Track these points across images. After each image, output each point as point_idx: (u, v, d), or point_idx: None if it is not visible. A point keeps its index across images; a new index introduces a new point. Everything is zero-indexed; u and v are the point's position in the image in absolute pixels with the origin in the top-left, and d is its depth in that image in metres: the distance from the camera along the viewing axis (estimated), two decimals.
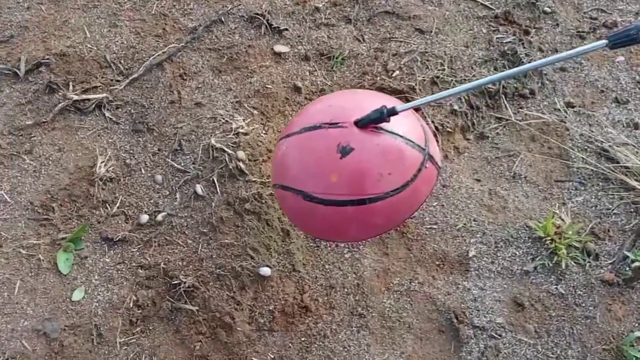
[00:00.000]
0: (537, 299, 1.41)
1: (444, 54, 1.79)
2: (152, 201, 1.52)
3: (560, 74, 1.78)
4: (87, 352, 1.32)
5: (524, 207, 1.54)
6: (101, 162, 1.54)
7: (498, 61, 1.78)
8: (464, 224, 1.51)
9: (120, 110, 1.66)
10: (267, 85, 1.71)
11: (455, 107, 1.68)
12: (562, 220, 1.51)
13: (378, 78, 1.73)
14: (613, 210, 1.54)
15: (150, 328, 1.35)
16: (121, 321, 1.35)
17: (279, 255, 1.45)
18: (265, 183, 1.52)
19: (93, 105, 1.64)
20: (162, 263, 1.42)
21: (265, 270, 1.40)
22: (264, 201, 1.49)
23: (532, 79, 1.76)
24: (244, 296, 1.39)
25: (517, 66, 1.76)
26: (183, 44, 1.77)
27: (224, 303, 1.37)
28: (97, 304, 1.37)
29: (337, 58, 1.77)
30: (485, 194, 1.57)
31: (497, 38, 1.83)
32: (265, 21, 1.82)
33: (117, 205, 1.50)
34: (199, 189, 1.52)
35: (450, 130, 1.65)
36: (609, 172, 1.58)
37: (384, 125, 1.05)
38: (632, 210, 1.54)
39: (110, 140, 1.61)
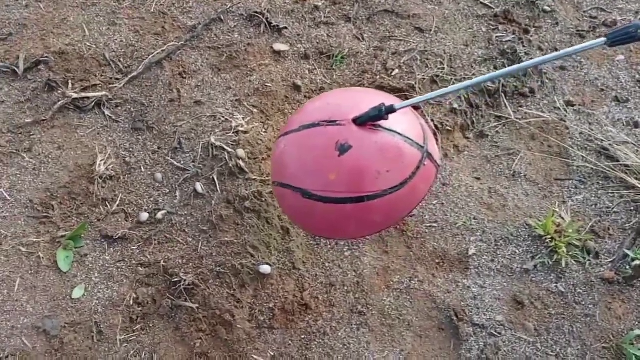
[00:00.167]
0: (537, 297, 1.41)
1: (443, 52, 1.79)
2: (152, 199, 1.52)
3: (560, 73, 1.79)
4: (87, 349, 1.31)
5: (524, 206, 1.55)
6: (101, 160, 1.54)
7: (498, 60, 1.78)
8: (464, 222, 1.51)
9: (119, 108, 1.66)
10: (266, 84, 1.71)
11: (455, 105, 1.68)
12: (562, 218, 1.51)
13: (378, 77, 1.73)
14: (613, 208, 1.54)
15: (151, 325, 1.35)
16: (121, 319, 1.35)
17: (279, 253, 1.45)
18: (265, 181, 1.52)
19: (92, 104, 1.64)
20: (162, 261, 1.42)
21: (265, 268, 1.40)
22: (263, 199, 1.49)
23: (532, 78, 1.76)
24: (244, 294, 1.39)
25: (516, 63, 1.76)
26: (182, 43, 1.76)
27: (224, 301, 1.37)
28: (97, 302, 1.37)
29: (336, 57, 1.77)
30: (485, 193, 1.57)
31: (496, 37, 1.83)
32: (264, 19, 1.82)
33: (117, 203, 1.50)
34: (198, 187, 1.52)
35: (450, 128, 1.65)
36: (609, 171, 1.59)
37: (382, 123, 1.05)
38: (632, 208, 1.54)
39: (110, 138, 1.61)
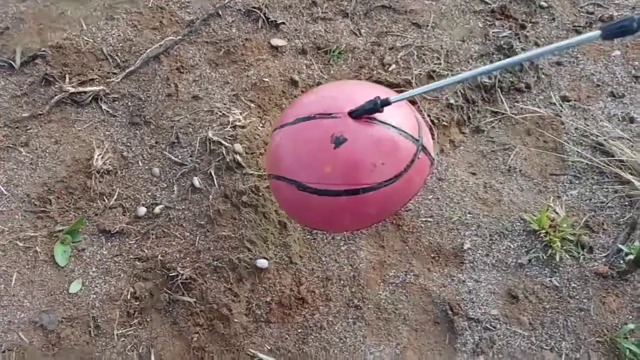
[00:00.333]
0: (532, 292, 1.43)
1: (440, 48, 1.79)
2: (149, 194, 1.52)
3: (556, 68, 1.79)
4: (84, 343, 1.32)
5: (519, 201, 1.56)
6: (98, 155, 1.54)
7: (494, 55, 1.78)
8: (459, 217, 1.52)
9: (117, 103, 1.66)
10: (264, 79, 1.71)
11: (452, 101, 1.69)
12: (557, 213, 1.52)
13: (375, 72, 1.73)
14: (607, 203, 1.55)
15: (148, 320, 1.36)
16: (119, 313, 1.36)
17: (276, 247, 1.45)
18: (262, 176, 1.52)
19: (90, 98, 1.64)
20: (160, 255, 1.42)
21: (262, 262, 1.41)
22: (261, 194, 1.49)
23: (527, 73, 1.76)
24: (241, 288, 1.39)
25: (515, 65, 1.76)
26: (180, 37, 1.76)
27: (221, 295, 1.38)
28: (94, 296, 1.38)
29: (333, 52, 1.77)
30: (481, 187, 1.58)
31: (493, 32, 1.83)
32: (262, 15, 1.82)
33: (115, 197, 1.50)
34: (196, 181, 1.52)
35: (446, 124, 1.66)
36: (603, 166, 1.60)
37: (377, 115, 1.05)
38: (626, 203, 1.55)
39: (107, 132, 1.61)
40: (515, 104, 1.72)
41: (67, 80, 1.66)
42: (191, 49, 1.76)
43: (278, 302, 1.39)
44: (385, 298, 1.41)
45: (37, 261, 1.41)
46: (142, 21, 1.80)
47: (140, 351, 1.32)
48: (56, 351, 1.30)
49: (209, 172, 1.53)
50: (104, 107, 1.64)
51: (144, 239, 1.45)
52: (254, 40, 1.78)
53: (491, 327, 1.38)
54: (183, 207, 1.50)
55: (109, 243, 1.45)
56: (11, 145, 1.56)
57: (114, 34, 1.76)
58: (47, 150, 1.56)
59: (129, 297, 1.37)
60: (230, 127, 1.59)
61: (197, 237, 1.46)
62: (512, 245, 1.49)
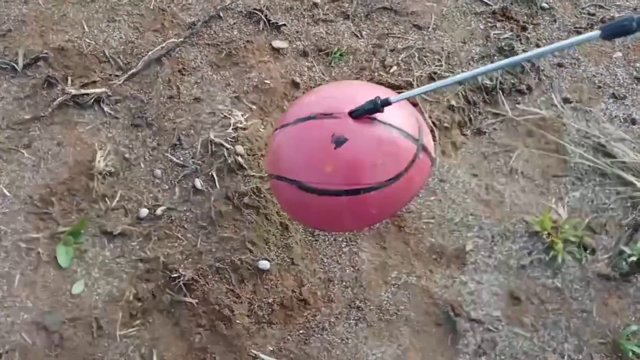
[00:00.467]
0: (534, 293, 1.42)
1: (441, 49, 1.80)
2: (151, 195, 1.52)
3: (558, 70, 1.79)
4: (87, 344, 1.32)
5: (521, 202, 1.56)
6: (100, 157, 1.55)
7: (495, 57, 1.79)
8: (461, 219, 1.52)
9: (119, 105, 1.66)
10: (265, 81, 1.71)
11: (453, 102, 1.69)
12: (559, 215, 1.52)
13: (376, 74, 1.74)
14: (610, 205, 1.55)
15: (150, 321, 1.36)
16: (121, 314, 1.36)
17: (278, 248, 1.45)
18: (264, 177, 1.52)
19: (92, 100, 1.65)
20: (162, 256, 1.42)
21: (264, 264, 1.41)
22: (262, 195, 1.49)
23: (529, 75, 1.77)
24: (243, 289, 1.39)
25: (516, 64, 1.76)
26: (182, 39, 1.77)
27: (223, 296, 1.38)
28: (97, 297, 1.38)
29: (335, 54, 1.78)
30: (482, 189, 1.58)
31: (494, 34, 1.84)
32: (263, 17, 1.82)
33: (117, 199, 1.50)
34: (198, 183, 1.53)
35: (447, 125, 1.66)
36: (605, 167, 1.60)
37: (377, 116, 1.05)
38: (628, 205, 1.55)
39: (109, 134, 1.61)
40: (517, 105, 1.72)
41: (69, 82, 1.67)
42: (193, 51, 1.76)
43: (280, 304, 1.39)
44: (387, 299, 1.41)
45: (39, 262, 1.41)
46: (144, 23, 1.81)
47: (142, 352, 1.32)
48: (59, 352, 1.31)
49: (210, 173, 1.54)
50: (106, 109, 1.65)
51: (146, 240, 1.46)
52: (255, 42, 1.79)
53: (493, 329, 1.38)
54: (185, 208, 1.50)
55: (111, 244, 1.45)
56: (14, 147, 1.57)
57: (115, 36, 1.77)
58: (50, 152, 1.57)
59: (131, 298, 1.37)
60: (232, 128, 1.59)
61: (199, 239, 1.46)
62: (514, 247, 1.49)
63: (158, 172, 1.55)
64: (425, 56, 1.78)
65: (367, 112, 1.05)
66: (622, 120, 1.69)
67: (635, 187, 1.54)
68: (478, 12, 1.89)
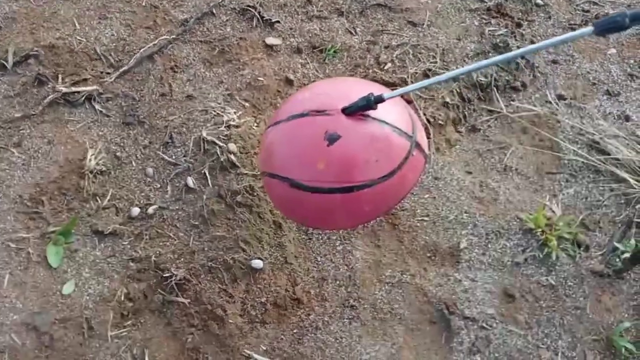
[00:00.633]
0: (528, 290, 1.42)
1: (436, 46, 1.79)
2: (143, 194, 1.51)
3: (552, 67, 1.79)
4: (77, 345, 1.31)
5: (515, 199, 1.55)
6: (91, 155, 1.53)
7: (490, 54, 1.78)
8: (455, 216, 1.52)
9: (110, 102, 1.65)
10: (258, 78, 1.70)
11: (447, 99, 1.68)
12: (553, 212, 1.52)
13: (370, 70, 1.73)
14: (603, 202, 1.55)
15: (142, 321, 1.35)
16: (112, 314, 1.35)
17: (271, 247, 1.44)
18: (257, 176, 1.51)
19: (83, 98, 1.63)
20: (154, 256, 1.41)
21: (257, 263, 1.40)
22: (255, 194, 1.48)
23: (523, 72, 1.76)
24: (236, 289, 1.38)
25: (509, 60, 1.76)
26: (174, 36, 1.75)
27: (216, 295, 1.37)
28: (87, 297, 1.37)
29: (329, 51, 1.76)
30: (477, 186, 1.57)
31: (489, 31, 1.83)
32: (256, 13, 1.81)
33: (108, 198, 1.49)
34: (190, 181, 1.51)
35: (442, 122, 1.65)
36: (599, 164, 1.59)
37: (371, 112, 1.05)
38: (622, 202, 1.55)
39: (100, 133, 1.60)
40: (511, 102, 1.72)
41: (60, 80, 1.65)
42: (185, 48, 1.75)
43: (273, 303, 1.38)
44: (381, 298, 1.41)
45: (29, 262, 1.40)
46: (136, 20, 1.79)
47: (134, 352, 1.31)
48: (49, 353, 1.29)
49: (203, 172, 1.53)
50: (97, 107, 1.63)
51: (138, 239, 1.44)
52: (248, 39, 1.78)
53: (487, 326, 1.37)
54: (177, 207, 1.49)
55: (102, 244, 1.44)
56: (3, 146, 1.55)
57: (107, 33, 1.75)
58: (40, 151, 1.55)
59: (122, 298, 1.36)
60: (225, 126, 1.58)
61: (191, 238, 1.45)
62: (508, 244, 1.48)
63: (150, 170, 1.54)
64: (419, 53, 1.77)
65: (360, 109, 1.04)
66: (616, 117, 1.69)
67: (629, 183, 1.54)
68: (473, 9, 1.88)
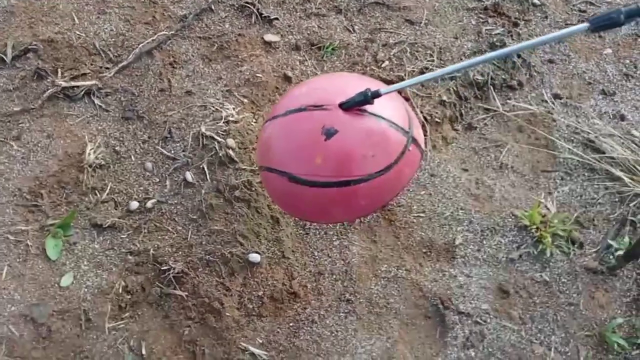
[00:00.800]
0: (522, 286, 1.44)
1: (433, 45, 1.80)
2: (141, 188, 1.52)
3: (548, 66, 1.80)
4: (75, 336, 1.32)
5: (510, 197, 1.57)
6: (90, 149, 1.54)
7: (487, 53, 1.79)
8: (451, 213, 1.53)
9: (109, 97, 1.65)
10: (257, 74, 1.71)
11: (444, 97, 1.69)
12: (548, 209, 1.53)
13: (368, 68, 1.74)
14: (598, 199, 1.57)
15: (139, 313, 1.36)
16: (110, 306, 1.35)
17: (268, 242, 1.45)
18: (255, 171, 1.52)
19: (82, 92, 1.64)
20: (152, 249, 1.42)
21: (255, 257, 1.41)
22: (253, 189, 1.49)
23: (520, 71, 1.77)
24: (233, 282, 1.39)
25: (505, 56, 1.78)
26: (173, 32, 1.76)
27: (213, 289, 1.38)
28: (85, 290, 1.37)
29: (327, 48, 1.77)
30: (473, 184, 1.59)
31: (486, 30, 1.84)
32: (255, 10, 1.82)
33: (107, 192, 1.50)
34: (188, 176, 1.52)
35: (438, 120, 1.67)
36: (594, 163, 1.61)
37: (368, 107, 1.06)
38: (616, 200, 1.56)
39: (99, 127, 1.60)
40: (508, 101, 1.73)
41: (59, 74, 1.66)
42: (184, 44, 1.76)
43: (270, 296, 1.39)
44: (377, 292, 1.42)
45: (28, 255, 1.40)
46: (135, 16, 1.80)
47: (131, 344, 1.32)
48: (47, 344, 1.30)
49: (201, 166, 1.54)
50: (96, 101, 1.64)
51: (136, 233, 1.45)
52: (247, 36, 1.79)
53: (481, 321, 1.39)
54: (175, 201, 1.50)
55: (101, 237, 1.44)
56: (3, 140, 1.56)
57: (106, 28, 1.76)
58: (39, 145, 1.56)
59: (120, 290, 1.37)
60: (223, 122, 1.59)
61: (190, 232, 1.46)
62: (503, 241, 1.50)
63: (149, 165, 1.55)
64: (417, 51, 1.79)
65: (357, 104, 1.05)
66: (611, 116, 1.71)
67: (623, 182, 1.56)
68: (470, 8, 1.90)
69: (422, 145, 1.16)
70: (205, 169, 1.53)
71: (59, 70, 1.66)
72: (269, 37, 1.79)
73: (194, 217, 1.48)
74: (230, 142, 1.55)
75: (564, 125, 1.68)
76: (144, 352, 1.31)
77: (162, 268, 1.39)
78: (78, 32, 1.74)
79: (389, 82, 1.69)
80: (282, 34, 1.81)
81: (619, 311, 1.41)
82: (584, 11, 1.92)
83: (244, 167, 1.53)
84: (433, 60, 1.76)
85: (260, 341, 1.35)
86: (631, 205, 1.54)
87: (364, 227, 1.50)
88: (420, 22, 1.85)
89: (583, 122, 1.69)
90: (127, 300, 1.36)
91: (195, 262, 1.41)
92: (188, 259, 1.41)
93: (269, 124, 1.17)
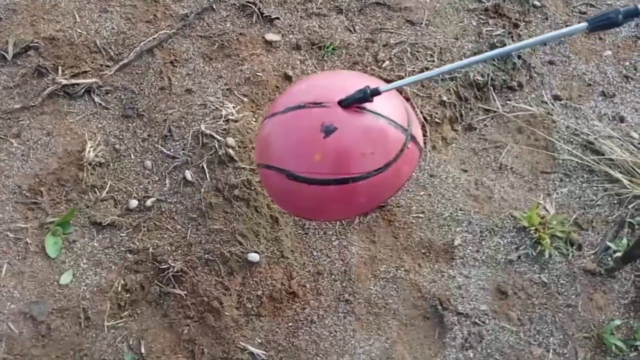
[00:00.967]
0: (521, 288, 1.44)
1: (434, 45, 1.80)
2: (141, 186, 1.52)
3: (548, 67, 1.81)
4: (74, 335, 1.32)
5: (510, 198, 1.57)
6: (90, 147, 1.54)
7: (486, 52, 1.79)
8: (450, 213, 1.53)
9: (109, 95, 1.65)
10: (257, 73, 1.71)
11: (444, 98, 1.70)
12: (547, 210, 1.53)
13: (368, 68, 1.74)
14: (597, 201, 1.57)
15: (139, 312, 1.36)
16: (109, 305, 1.36)
17: (268, 241, 1.46)
18: (254, 170, 1.53)
19: (82, 90, 1.64)
20: (151, 248, 1.42)
21: (254, 256, 1.42)
22: (253, 188, 1.49)
23: (520, 72, 1.78)
24: (232, 281, 1.40)
25: (505, 58, 1.78)
26: (174, 31, 1.76)
27: (212, 288, 1.38)
28: (85, 288, 1.38)
29: (328, 48, 1.78)
30: (472, 184, 1.59)
31: (486, 31, 1.84)
32: (256, 9, 1.82)
33: (106, 190, 1.50)
34: (188, 174, 1.52)
35: (438, 121, 1.67)
36: (593, 165, 1.61)
37: (367, 105, 1.06)
38: (615, 201, 1.57)
39: (99, 125, 1.60)
40: (508, 102, 1.73)
41: (59, 72, 1.66)
42: (185, 42, 1.76)
43: (269, 296, 1.40)
44: (376, 293, 1.42)
45: (27, 252, 1.41)
46: (136, 14, 1.80)
47: (130, 343, 1.32)
48: (46, 342, 1.30)
49: (201, 165, 1.54)
50: (96, 99, 1.64)
51: (136, 231, 1.45)
52: (248, 35, 1.79)
53: (480, 322, 1.39)
54: (175, 200, 1.50)
55: (100, 235, 1.45)
56: (3, 137, 1.56)
57: (107, 26, 1.76)
58: (39, 142, 1.56)
59: (119, 289, 1.37)
60: (223, 120, 1.59)
61: (189, 230, 1.46)
62: (502, 242, 1.50)
63: (148, 163, 1.55)
64: (417, 52, 1.79)
65: (356, 102, 1.05)
66: (610, 118, 1.71)
67: (622, 184, 1.56)
68: (471, 9, 1.90)
69: (421, 143, 1.16)
70: (205, 167, 1.53)
71: (60, 68, 1.66)
72: (270, 36, 1.80)
73: (194, 215, 1.48)
74: (230, 141, 1.55)
75: (563, 127, 1.69)
76: (143, 350, 1.32)
77: (162, 267, 1.39)
78: (79, 30, 1.74)
79: (389, 82, 1.70)
80: (282, 34, 1.81)
81: (617, 313, 1.42)
82: (584, 13, 1.92)
83: (243, 166, 1.53)
84: (433, 61, 1.76)
85: (259, 341, 1.35)
86: (630, 207, 1.54)
87: (363, 228, 1.50)
88: (421, 23, 1.85)
89: (582, 124, 1.69)
90: (126, 298, 1.37)
91: (194, 261, 1.41)
92: (187, 257, 1.42)
93: (268, 121, 1.17)
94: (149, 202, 1.49)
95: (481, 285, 1.44)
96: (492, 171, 1.62)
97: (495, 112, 1.71)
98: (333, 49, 1.78)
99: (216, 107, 1.62)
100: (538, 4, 1.92)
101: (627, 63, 1.82)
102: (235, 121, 1.59)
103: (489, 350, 1.36)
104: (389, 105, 1.09)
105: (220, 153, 1.53)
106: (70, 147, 1.55)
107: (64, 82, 1.63)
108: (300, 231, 1.49)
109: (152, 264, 1.40)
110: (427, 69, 1.74)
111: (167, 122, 1.61)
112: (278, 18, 1.82)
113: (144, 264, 1.41)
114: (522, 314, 1.41)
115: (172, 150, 1.57)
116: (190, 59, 1.73)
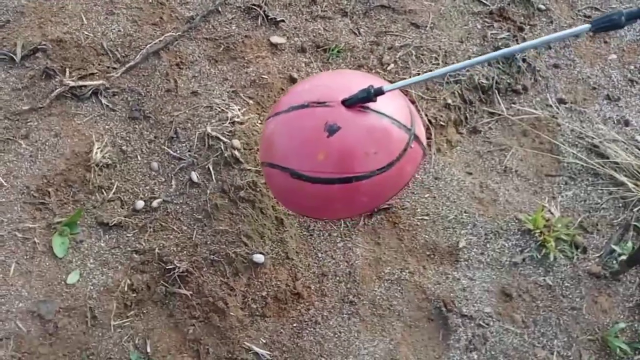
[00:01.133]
0: (525, 290, 1.44)
1: (438, 48, 1.81)
2: (147, 187, 1.53)
3: (553, 71, 1.81)
4: (81, 333, 1.33)
5: (515, 201, 1.57)
6: (97, 148, 1.56)
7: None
8: (455, 216, 1.54)
9: (116, 97, 1.67)
10: (263, 76, 1.72)
11: (449, 101, 1.70)
12: (552, 213, 1.54)
13: (373, 71, 1.75)
14: (602, 204, 1.57)
15: (145, 312, 1.37)
16: (116, 304, 1.37)
17: (273, 242, 1.46)
18: (260, 171, 1.53)
19: (90, 92, 1.65)
20: (157, 248, 1.43)
21: (259, 257, 1.42)
22: (258, 189, 1.50)
23: (525, 75, 1.78)
24: (238, 282, 1.41)
25: (509, 61, 1.78)
26: (180, 33, 1.78)
27: (218, 288, 1.39)
28: (92, 287, 1.39)
29: (332, 50, 1.79)
30: (477, 187, 1.59)
31: (491, 34, 1.85)
32: (262, 12, 1.83)
33: (113, 191, 1.51)
34: (194, 176, 1.54)
35: (443, 124, 1.67)
36: (598, 168, 1.61)
37: (370, 104, 1.06)
38: (620, 205, 1.57)
39: (106, 126, 1.62)
40: (512, 105, 1.74)
41: (67, 74, 1.67)
42: (191, 45, 1.77)
43: (274, 297, 1.40)
44: (380, 294, 1.43)
45: (35, 252, 1.42)
46: (142, 17, 1.81)
47: (136, 342, 1.33)
48: (53, 340, 1.31)
49: (207, 167, 1.55)
50: (103, 101, 1.65)
51: (142, 232, 1.46)
52: (253, 38, 1.80)
53: (484, 324, 1.39)
54: (181, 201, 1.51)
55: (107, 235, 1.46)
56: (11, 138, 1.57)
57: (114, 29, 1.78)
58: (47, 143, 1.57)
59: (126, 288, 1.38)
60: (229, 123, 1.60)
61: (195, 231, 1.47)
62: (506, 245, 1.50)
63: (155, 164, 1.56)
64: (422, 54, 1.79)
65: (360, 101, 1.05)
66: (615, 121, 1.71)
67: (627, 187, 1.56)
68: (475, 12, 1.90)
69: (424, 143, 1.16)
70: (211, 169, 1.54)
71: (67, 69, 1.68)
72: (275, 39, 1.81)
73: (199, 217, 1.49)
74: (236, 142, 1.56)
75: (568, 130, 1.69)
76: (148, 350, 1.33)
77: (167, 267, 1.40)
78: (86, 33, 1.76)
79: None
80: (288, 36, 1.82)
81: (622, 316, 1.42)
82: (589, 16, 1.93)
83: (249, 167, 1.54)
84: (438, 64, 1.77)
85: (264, 341, 1.36)
86: (635, 210, 1.54)
87: (368, 230, 1.51)
88: (426, 26, 1.86)
89: (587, 127, 1.70)
90: (132, 298, 1.38)
91: (199, 262, 1.42)
92: (193, 258, 1.43)
93: (271, 120, 1.17)
94: (155, 203, 1.50)
95: (486, 288, 1.44)
96: (497, 174, 1.62)
97: (500, 115, 1.72)
98: (338, 51, 1.79)
99: (222, 109, 1.63)
100: (543, 7, 1.92)
101: (632, 67, 1.82)
102: (241, 123, 1.60)
103: (493, 352, 1.36)
104: (392, 105, 1.10)
105: (226, 155, 1.54)
106: (78, 148, 1.57)
107: (72, 83, 1.64)
108: (305, 233, 1.50)
109: (158, 264, 1.42)
110: (432, 72, 1.75)
111: (173, 124, 1.62)
112: (283, 21, 1.83)
113: (150, 264, 1.42)
114: (527, 316, 1.41)
115: (178, 151, 1.58)
116: (196, 62, 1.74)
